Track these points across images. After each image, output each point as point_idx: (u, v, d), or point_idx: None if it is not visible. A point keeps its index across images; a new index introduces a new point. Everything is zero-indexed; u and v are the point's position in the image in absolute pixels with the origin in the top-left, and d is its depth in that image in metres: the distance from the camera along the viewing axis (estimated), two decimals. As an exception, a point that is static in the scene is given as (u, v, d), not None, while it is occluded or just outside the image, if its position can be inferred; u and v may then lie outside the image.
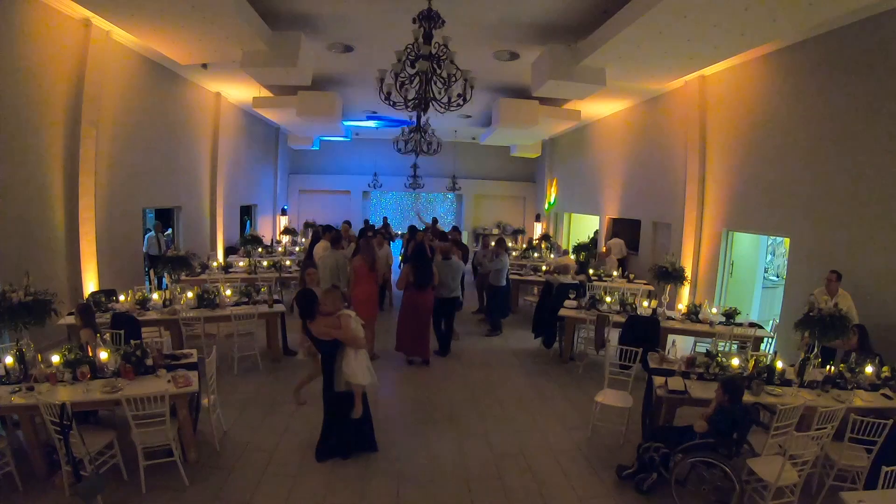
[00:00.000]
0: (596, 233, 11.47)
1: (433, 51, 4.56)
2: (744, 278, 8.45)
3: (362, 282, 6.45)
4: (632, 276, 9.79)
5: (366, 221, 14.79)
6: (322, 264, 6.97)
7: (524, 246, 13.70)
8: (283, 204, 16.77)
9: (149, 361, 4.30)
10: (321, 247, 7.73)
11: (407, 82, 4.69)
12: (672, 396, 4.26)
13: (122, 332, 5.00)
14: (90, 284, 6.91)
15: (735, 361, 4.73)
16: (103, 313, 5.70)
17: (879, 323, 5.12)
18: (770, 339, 6.42)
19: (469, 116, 13.20)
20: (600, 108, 11.76)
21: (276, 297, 6.82)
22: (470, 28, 6.85)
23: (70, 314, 5.78)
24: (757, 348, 6.14)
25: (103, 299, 6.12)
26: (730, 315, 6.45)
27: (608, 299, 7.14)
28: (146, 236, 9.85)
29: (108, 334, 4.79)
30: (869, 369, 4.54)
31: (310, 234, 8.33)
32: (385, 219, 15.53)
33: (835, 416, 3.71)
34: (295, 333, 5.71)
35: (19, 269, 5.24)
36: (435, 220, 13.15)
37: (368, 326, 6.25)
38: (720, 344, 6.05)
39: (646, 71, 7.51)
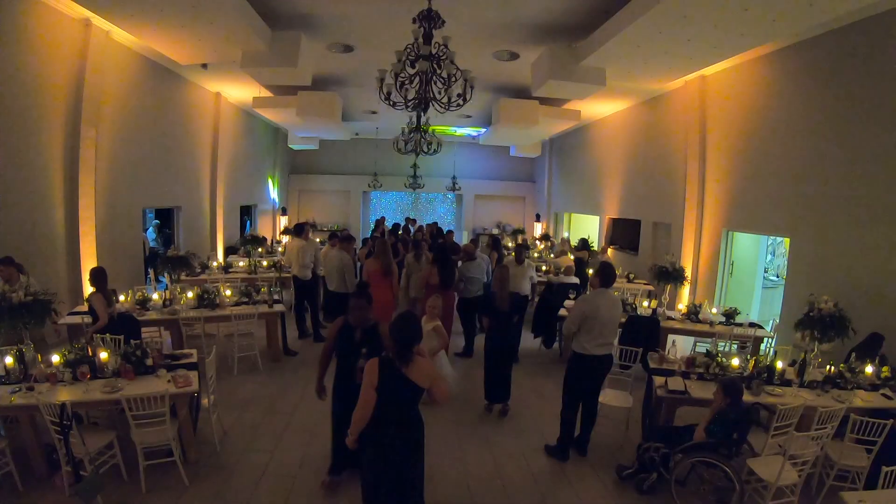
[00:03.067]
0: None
1: (433, 51, 4.56)
2: (744, 278, 8.45)
3: (374, 286, 6.10)
4: (632, 275, 9.79)
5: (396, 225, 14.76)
6: (329, 265, 6.94)
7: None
8: (282, 203, 16.78)
9: (149, 361, 4.31)
10: (296, 245, 7.68)
11: (407, 82, 4.68)
12: (672, 396, 4.26)
13: (121, 337, 4.97)
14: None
15: (735, 361, 4.74)
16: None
17: (879, 323, 5.11)
18: (770, 339, 6.42)
19: (469, 116, 13.19)
20: (600, 108, 11.76)
21: (275, 297, 6.81)
22: (470, 28, 6.84)
23: (70, 314, 5.80)
24: (757, 348, 6.14)
25: (103, 299, 6.12)
26: (730, 315, 6.46)
27: (608, 299, 7.13)
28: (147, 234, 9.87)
29: (107, 335, 4.79)
30: (869, 369, 4.54)
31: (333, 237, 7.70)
32: (383, 219, 15.50)
33: (835, 416, 3.71)
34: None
35: (19, 269, 5.25)
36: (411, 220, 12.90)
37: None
38: (720, 344, 6.05)
39: (646, 71, 7.51)
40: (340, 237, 7.46)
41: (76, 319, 5.54)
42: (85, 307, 5.49)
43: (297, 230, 8.12)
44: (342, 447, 3.69)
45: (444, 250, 6.89)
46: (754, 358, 4.83)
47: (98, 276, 5.04)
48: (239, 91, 11.00)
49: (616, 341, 5.02)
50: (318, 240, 11.31)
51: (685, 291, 8.57)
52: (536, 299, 7.67)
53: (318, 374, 3.86)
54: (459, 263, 7.19)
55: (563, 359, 6.99)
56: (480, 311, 6.57)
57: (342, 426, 3.62)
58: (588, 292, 5.70)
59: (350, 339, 3.60)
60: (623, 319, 6.26)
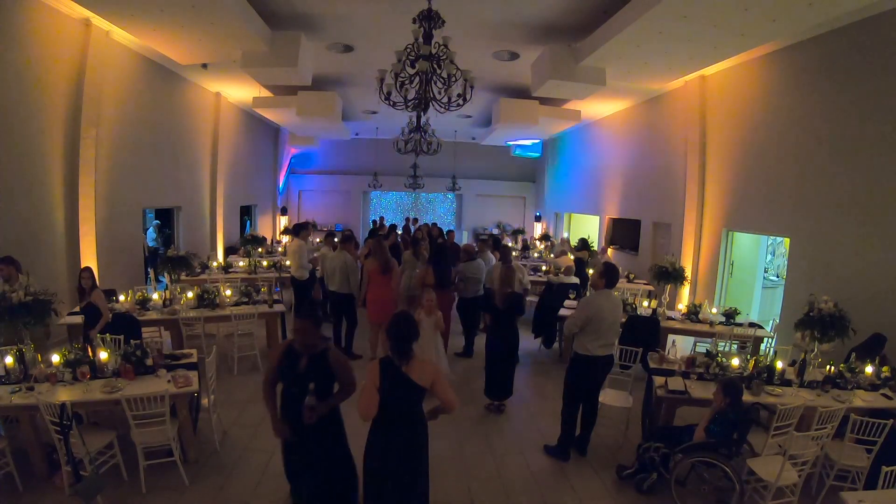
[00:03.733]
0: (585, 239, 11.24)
1: (433, 51, 4.56)
2: (744, 278, 8.45)
3: (374, 285, 6.34)
4: (632, 275, 9.79)
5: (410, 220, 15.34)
6: (330, 266, 6.93)
7: (519, 246, 13.74)
8: (282, 204, 16.80)
9: (149, 361, 4.31)
10: (295, 245, 7.72)
11: (407, 82, 4.68)
12: (672, 396, 4.26)
13: (121, 337, 4.97)
14: (90, 284, 6.91)
15: (735, 361, 4.74)
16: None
17: (879, 323, 5.11)
18: (770, 339, 6.42)
19: (469, 116, 13.19)
20: (600, 108, 11.76)
21: (275, 297, 6.81)
22: (470, 28, 6.84)
23: (70, 314, 5.79)
24: (757, 348, 6.14)
25: (103, 299, 6.12)
26: (730, 315, 6.46)
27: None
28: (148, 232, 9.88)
29: (107, 335, 4.79)
30: (869, 369, 4.54)
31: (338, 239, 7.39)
32: (382, 218, 15.53)
33: (835, 416, 3.71)
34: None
35: (19, 269, 5.24)
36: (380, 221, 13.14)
37: (379, 331, 6.20)
38: (720, 344, 6.05)
39: (646, 71, 7.51)
40: (342, 237, 7.45)
41: (76, 319, 5.54)
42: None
43: (297, 230, 8.11)
44: (297, 485, 3.39)
45: (439, 250, 6.89)
46: (754, 358, 4.83)
47: (93, 274, 5.28)
48: (239, 91, 11.00)
49: (616, 341, 5.02)
50: (317, 240, 11.34)
51: (685, 291, 8.57)
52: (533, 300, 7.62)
53: (269, 411, 3.24)
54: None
55: (563, 359, 6.99)
56: (482, 309, 6.58)
57: (296, 464, 3.31)
58: (589, 293, 5.69)
59: (294, 367, 3.07)
60: (623, 319, 6.30)
